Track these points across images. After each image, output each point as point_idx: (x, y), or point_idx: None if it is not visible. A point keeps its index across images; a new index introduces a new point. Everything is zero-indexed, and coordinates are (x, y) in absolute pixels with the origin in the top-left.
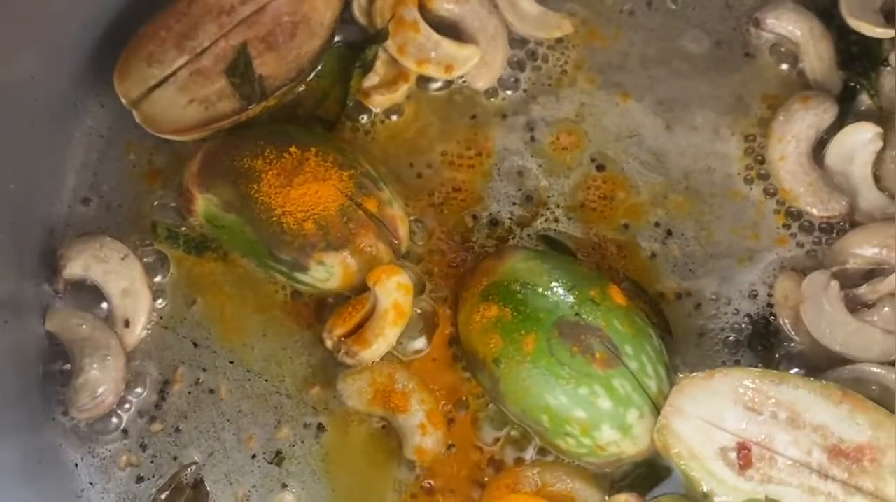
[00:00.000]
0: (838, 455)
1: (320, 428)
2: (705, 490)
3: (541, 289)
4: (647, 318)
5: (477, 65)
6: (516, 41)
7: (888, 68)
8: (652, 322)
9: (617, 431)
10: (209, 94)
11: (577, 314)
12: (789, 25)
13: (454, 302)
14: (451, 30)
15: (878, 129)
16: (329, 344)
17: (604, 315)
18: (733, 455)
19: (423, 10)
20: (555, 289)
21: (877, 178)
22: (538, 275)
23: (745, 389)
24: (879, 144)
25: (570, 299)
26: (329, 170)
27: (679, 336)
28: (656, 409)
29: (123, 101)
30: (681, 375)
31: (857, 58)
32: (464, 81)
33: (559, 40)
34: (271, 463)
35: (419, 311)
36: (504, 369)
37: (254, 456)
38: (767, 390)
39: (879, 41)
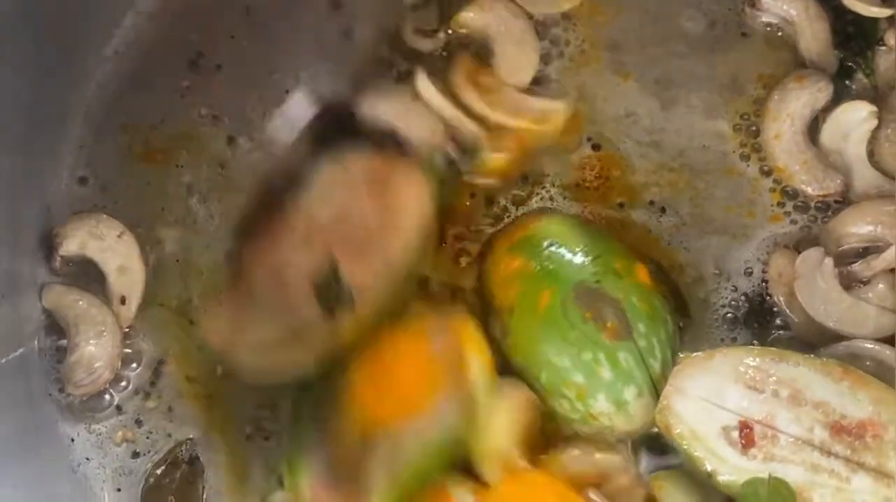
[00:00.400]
0: (840, 431)
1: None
2: (709, 469)
3: (567, 251)
4: (667, 304)
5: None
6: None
7: (883, 48)
8: (671, 309)
9: (612, 404)
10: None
11: (597, 282)
12: (785, 5)
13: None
14: (480, 45)
15: (873, 108)
16: None
17: (624, 289)
18: (735, 434)
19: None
20: (581, 254)
21: (871, 156)
22: (568, 237)
23: (746, 368)
24: (874, 123)
25: (594, 267)
26: None
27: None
28: (656, 392)
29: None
30: (681, 355)
31: (853, 37)
32: None
33: (566, 16)
34: (266, 440)
35: None
36: (516, 320)
37: (249, 435)
38: (768, 368)
39: (875, 21)
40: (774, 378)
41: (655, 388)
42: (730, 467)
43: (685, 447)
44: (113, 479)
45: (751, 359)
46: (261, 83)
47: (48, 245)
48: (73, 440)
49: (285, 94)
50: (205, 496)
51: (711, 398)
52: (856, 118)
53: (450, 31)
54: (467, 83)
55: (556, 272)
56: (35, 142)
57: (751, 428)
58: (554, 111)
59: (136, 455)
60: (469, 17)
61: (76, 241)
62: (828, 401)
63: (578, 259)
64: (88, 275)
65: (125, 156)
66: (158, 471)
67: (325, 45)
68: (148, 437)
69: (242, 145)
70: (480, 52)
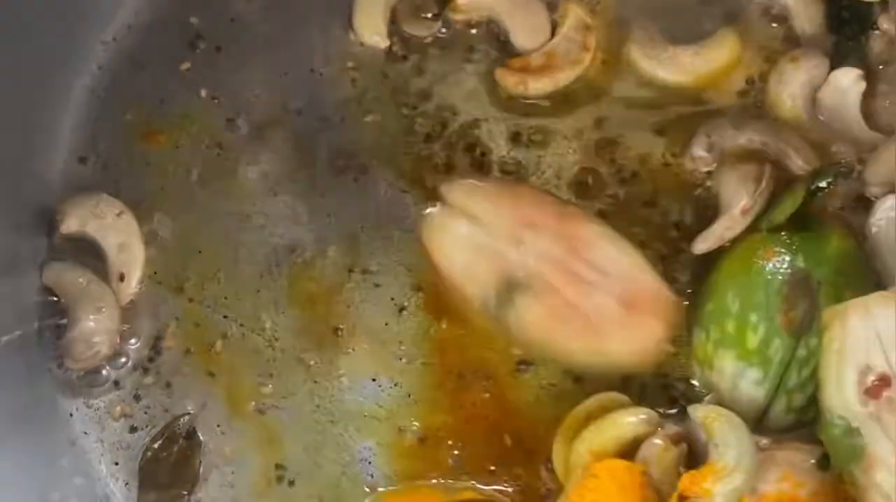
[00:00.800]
0: None
1: (315, 383)
2: (824, 388)
3: (827, 255)
4: None
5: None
6: None
7: (877, 32)
8: None
9: (733, 368)
10: None
11: (819, 283)
12: None
13: None
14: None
15: (859, 71)
16: None
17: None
18: (870, 379)
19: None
20: (831, 267)
21: (868, 119)
22: (843, 255)
23: None
24: (863, 84)
25: (828, 279)
26: None
27: None
28: (772, 397)
29: None
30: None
31: (847, 22)
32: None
33: None
34: (263, 414)
35: None
36: (736, 251)
37: (245, 410)
38: None
39: (869, 5)
40: None
41: (774, 394)
42: (838, 396)
43: (822, 357)
44: (111, 453)
45: None
46: (260, 65)
47: (49, 223)
48: (71, 415)
49: (284, 76)
50: (201, 470)
51: (883, 338)
52: (846, 83)
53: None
54: (524, 76)
55: (799, 249)
56: (36, 123)
57: (886, 385)
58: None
59: (133, 429)
60: (470, 1)
61: (76, 220)
62: None
63: (824, 266)
64: (88, 253)
65: (125, 136)
66: (156, 446)
67: (325, 27)
68: (146, 412)
69: (241, 126)
70: (494, 31)
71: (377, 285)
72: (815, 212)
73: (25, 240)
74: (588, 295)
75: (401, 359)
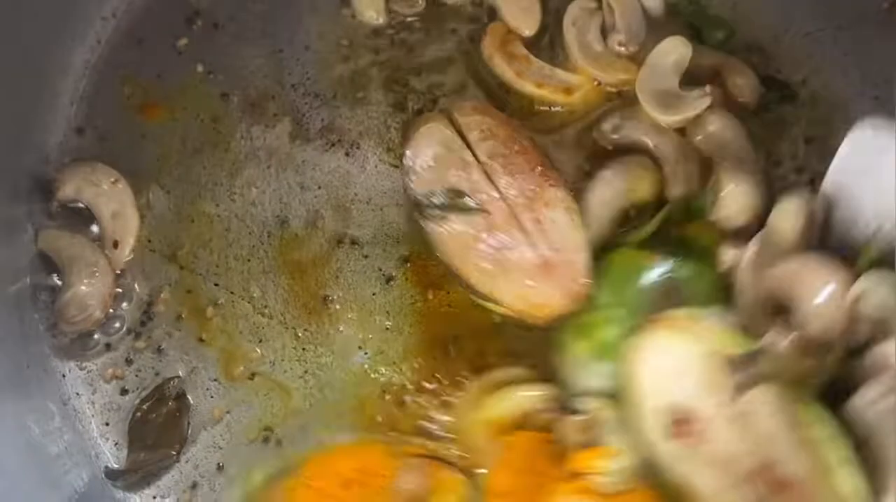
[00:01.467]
0: (770, 480)
1: (303, 350)
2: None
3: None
4: None
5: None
6: None
7: None
8: None
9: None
10: None
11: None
12: None
13: None
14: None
15: (684, 40)
16: None
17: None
18: (674, 418)
19: None
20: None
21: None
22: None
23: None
24: (688, 51)
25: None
26: None
27: None
28: None
29: None
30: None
31: None
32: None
33: None
34: (252, 379)
35: None
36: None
37: (235, 374)
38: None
39: None
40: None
41: None
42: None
43: (625, 390)
44: (102, 414)
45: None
46: (256, 42)
47: (45, 191)
48: (64, 376)
49: (279, 53)
50: (190, 431)
51: (674, 373)
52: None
53: None
54: (498, 52)
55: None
56: (36, 94)
57: (688, 424)
58: (574, 83)
59: (124, 391)
60: None
61: (72, 187)
62: (774, 439)
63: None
64: (84, 220)
65: (123, 108)
66: (145, 407)
67: (319, 6)
68: (137, 375)
69: (235, 100)
70: (485, 8)
71: (366, 256)
72: (688, 235)
73: (22, 208)
74: (516, 241)
75: (388, 328)
